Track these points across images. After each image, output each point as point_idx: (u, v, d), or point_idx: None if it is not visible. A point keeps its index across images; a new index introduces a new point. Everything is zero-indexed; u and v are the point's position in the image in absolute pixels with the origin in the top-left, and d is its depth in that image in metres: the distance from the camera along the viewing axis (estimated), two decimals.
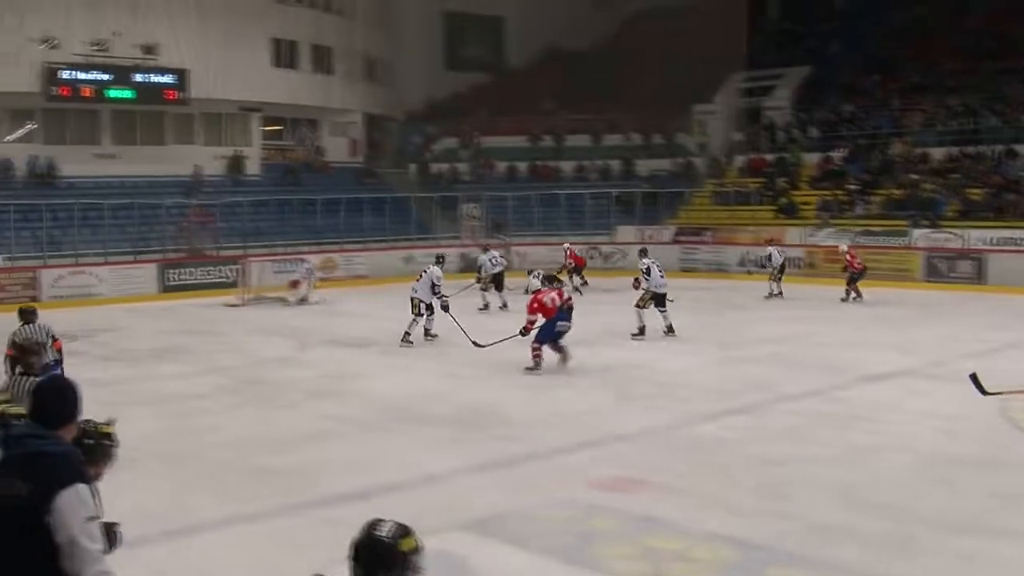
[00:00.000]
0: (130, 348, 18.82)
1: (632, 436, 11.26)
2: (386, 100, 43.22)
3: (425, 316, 18.49)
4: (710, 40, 36.72)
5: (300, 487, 9.40)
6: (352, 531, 3.60)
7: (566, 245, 29.39)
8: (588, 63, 43.53)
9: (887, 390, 11.45)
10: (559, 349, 15.48)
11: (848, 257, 24.41)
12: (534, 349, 15.31)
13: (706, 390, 13.87)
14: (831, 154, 35.12)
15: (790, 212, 32.99)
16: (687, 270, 31.91)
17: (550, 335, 15.32)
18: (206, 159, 34.71)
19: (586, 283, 27.51)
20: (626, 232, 34.61)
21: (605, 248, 34.07)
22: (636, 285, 19.15)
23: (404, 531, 3.57)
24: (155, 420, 12.25)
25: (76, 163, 32.20)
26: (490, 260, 24.42)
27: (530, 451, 10.60)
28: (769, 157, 36.78)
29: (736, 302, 24.49)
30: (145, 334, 20.80)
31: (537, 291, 16.02)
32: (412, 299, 18.48)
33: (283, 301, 25.64)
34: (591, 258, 31.63)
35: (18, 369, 8.52)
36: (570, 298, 15.88)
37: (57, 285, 26.64)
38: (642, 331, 18.58)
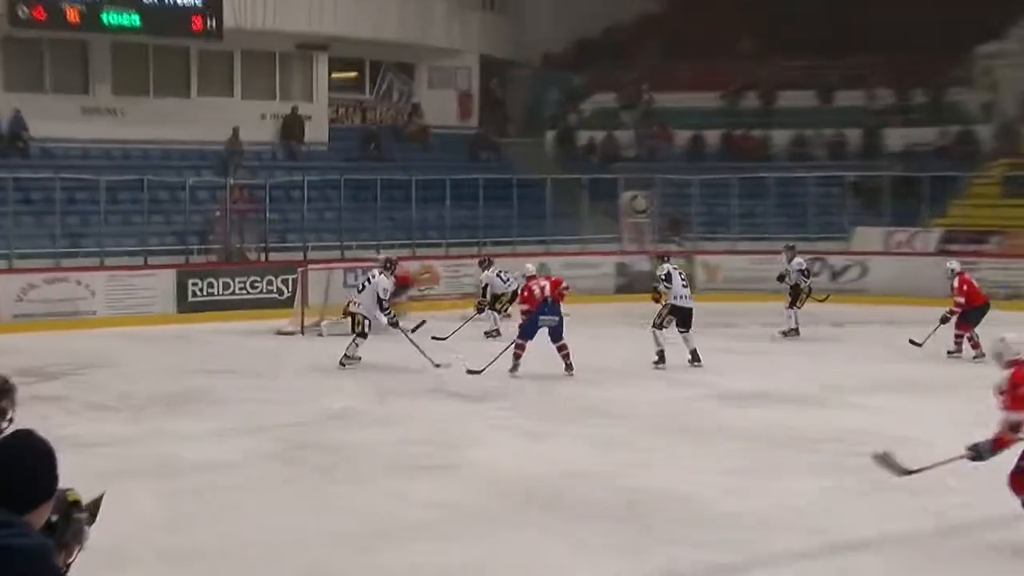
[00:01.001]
0: (131, 392, 19.15)
1: (879, 543, 11.08)
2: (512, 37, 43.50)
3: (369, 336, 21.18)
4: None
5: None
6: None
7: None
8: None
9: None
10: (563, 356, 19.71)
11: (957, 282, 22.27)
12: (516, 346, 19.83)
13: (994, 477, 13.34)
14: None
15: None
16: None
17: (532, 330, 19.84)
18: (250, 118, 35.21)
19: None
20: (868, 236, 34.19)
21: (835, 260, 33.52)
22: (656, 298, 21.44)
23: None
24: (160, 500, 12.41)
25: (56, 120, 32.23)
26: (498, 276, 26.65)
27: (723, 561, 10.54)
28: None
29: None
30: (154, 373, 21.27)
31: (531, 277, 20.96)
32: (354, 315, 21.41)
33: (318, 331, 26.07)
34: (817, 274, 31.04)
35: None
36: (567, 287, 20.65)
37: (27, 299, 27.05)
38: (661, 357, 20.80)
